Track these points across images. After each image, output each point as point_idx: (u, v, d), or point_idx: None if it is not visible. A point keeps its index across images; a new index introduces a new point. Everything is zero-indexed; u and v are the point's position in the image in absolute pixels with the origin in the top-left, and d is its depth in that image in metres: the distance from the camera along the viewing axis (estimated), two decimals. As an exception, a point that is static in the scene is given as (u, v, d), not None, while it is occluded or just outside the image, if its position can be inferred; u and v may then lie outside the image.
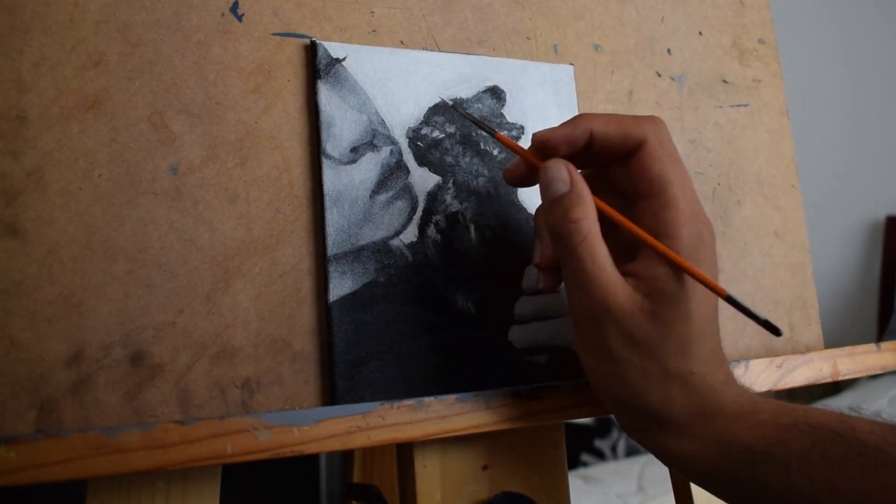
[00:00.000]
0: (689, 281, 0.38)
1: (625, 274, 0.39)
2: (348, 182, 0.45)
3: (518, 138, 0.51)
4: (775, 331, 0.38)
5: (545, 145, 0.41)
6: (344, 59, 0.46)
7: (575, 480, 1.56)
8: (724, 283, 0.57)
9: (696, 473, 0.41)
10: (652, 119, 0.41)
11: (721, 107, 0.61)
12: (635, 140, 0.40)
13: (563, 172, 0.40)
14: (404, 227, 0.46)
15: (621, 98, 0.56)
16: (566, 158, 0.41)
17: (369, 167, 0.46)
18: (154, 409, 0.39)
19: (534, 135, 0.42)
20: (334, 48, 0.46)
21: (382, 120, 0.47)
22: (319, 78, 0.45)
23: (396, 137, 0.47)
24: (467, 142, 0.49)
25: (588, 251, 0.38)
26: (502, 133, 0.50)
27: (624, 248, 0.41)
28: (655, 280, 0.38)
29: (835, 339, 1.38)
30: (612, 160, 0.42)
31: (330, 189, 0.45)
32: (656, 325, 0.38)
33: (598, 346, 0.39)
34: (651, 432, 0.41)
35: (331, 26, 0.47)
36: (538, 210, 0.44)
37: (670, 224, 0.39)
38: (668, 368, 0.38)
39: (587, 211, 0.39)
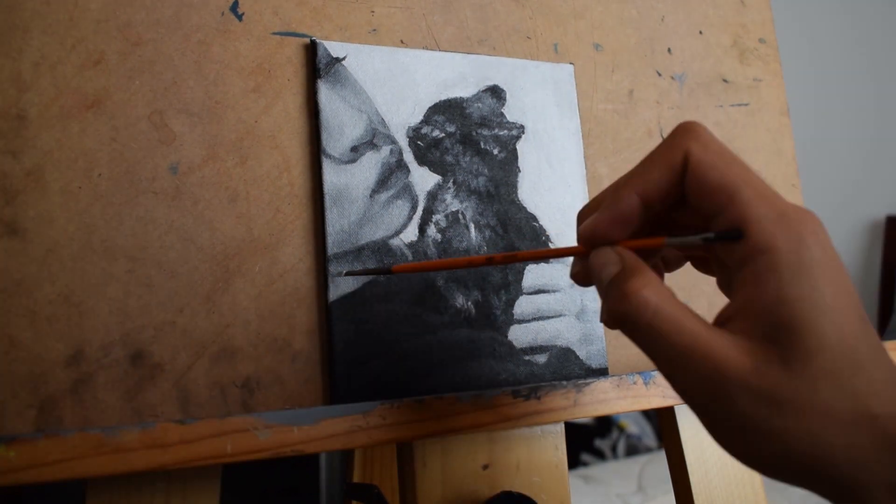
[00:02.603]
0: (801, 294, 0.30)
1: (720, 326, 0.32)
2: (348, 181, 0.45)
3: (518, 137, 0.51)
4: (734, 235, 0.31)
5: (594, 238, 0.35)
6: (344, 58, 0.46)
7: (575, 480, 1.56)
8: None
9: None
10: (685, 125, 0.34)
11: (721, 106, 0.61)
12: (677, 157, 0.33)
13: (611, 254, 0.33)
14: (404, 226, 0.46)
15: (621, 97, 0.56)
16: (629, 237, 0.35)
17: (369, 166, 0.46)
18: (154, 409, 0.39)
19: (578, 231, 0.36)
20: (334, 47, 0.46)
21: (382, 119, 0.47)
22: (319, 77, 0.45)
23: (396, 137, 0.47)
24: (467, 141, 0.49)
25: (668, 321, 0.31)
26: (502, 132, 0.50)
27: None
28: (760, 313, 0.30)
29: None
30: (674, 208, 0.35)
31: (330, 188, 0.45)
32: (794, 369, 0.29)
33: (737, 426, 0.30)
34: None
35: (331, 25, 0.47)
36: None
37: (755, 237, 0.30)
38: (837, 418, 0.29)
39: (648, 278, 0.32)
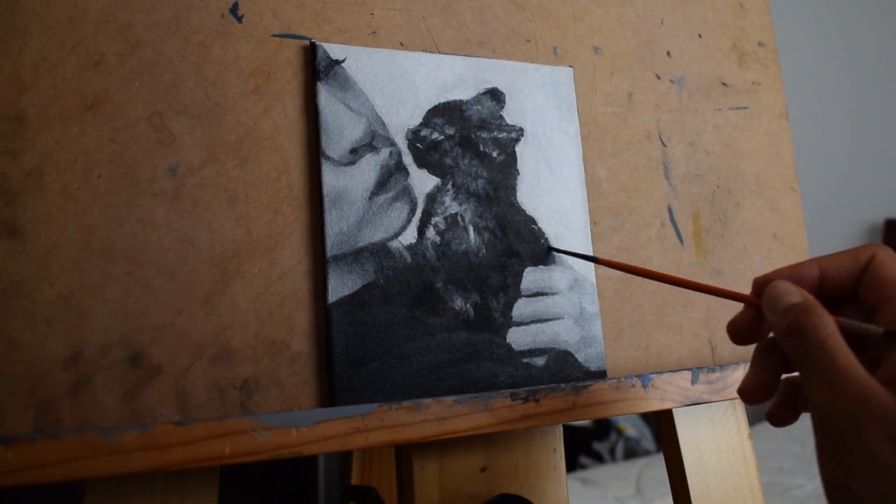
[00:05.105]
0: None
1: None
2: (347, 183, 0.45)
3: (517, 140, 0.51)
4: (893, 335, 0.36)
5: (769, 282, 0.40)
6: (343, 60, 0.46)
7: (573, 483, 1.56)
8: (723, 286, 0.57)
9: None
10: (875, 244, 0.41)
11: (720, 109, 0.61)
12: (864, 255, 0.40)
13: (792, 288, 0.38)
14: (403, 228, 0.46)
15: (620, 100, 0.56)
16: None
17: (368, 168, 0.46)
18: (152, 410, 0.39)
19: (754, 279, 0.41)
20: (334, 49, 0.46)
21: (382, 121, 0.47)
22: (319, 79, 0.45)
23: (396, 139, 0.47)
24: (467, 143, 0.49)
25: (838, 344, 0.35)
26: (501, 135, 0.50)
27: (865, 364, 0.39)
28: None
29: (833, 342, 1.38)
30: (842, 297, 0.41)
31: (329, 190, 0.45)
32: None
33: (857, 454, 0.34)
34: None
35: (331, 28, 0.47)
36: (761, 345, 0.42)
37: None
38: None
39: (826, 314, 0.37)
